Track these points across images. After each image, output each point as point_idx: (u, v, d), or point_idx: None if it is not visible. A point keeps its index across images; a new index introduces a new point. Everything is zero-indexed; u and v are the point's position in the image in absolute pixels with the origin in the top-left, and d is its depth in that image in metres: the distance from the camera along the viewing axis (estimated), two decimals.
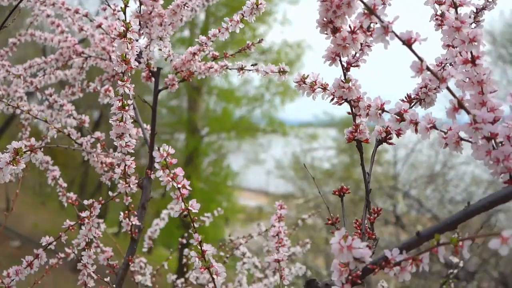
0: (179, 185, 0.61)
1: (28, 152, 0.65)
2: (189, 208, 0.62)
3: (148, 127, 1.08)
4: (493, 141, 0.52)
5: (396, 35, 0.49)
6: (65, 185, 1.09)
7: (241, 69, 0.93)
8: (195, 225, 0.64)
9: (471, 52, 0.52)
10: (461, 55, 0.54)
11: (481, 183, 7.28)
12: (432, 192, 6.77)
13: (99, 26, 1.02)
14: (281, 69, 0.83)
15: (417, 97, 0.67)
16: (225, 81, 11.87)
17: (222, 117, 11.49)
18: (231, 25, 0.88)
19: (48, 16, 1.18)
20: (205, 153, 11.30)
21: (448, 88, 0.50)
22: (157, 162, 0.60)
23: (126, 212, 0.94)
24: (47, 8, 1.17)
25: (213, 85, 11.82)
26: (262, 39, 0.98)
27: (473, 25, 0.70)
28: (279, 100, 11.79)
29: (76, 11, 1.07)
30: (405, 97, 0.67)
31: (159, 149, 0.59)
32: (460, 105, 0.50)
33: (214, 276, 0.63)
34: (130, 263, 0.97)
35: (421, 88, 0.67)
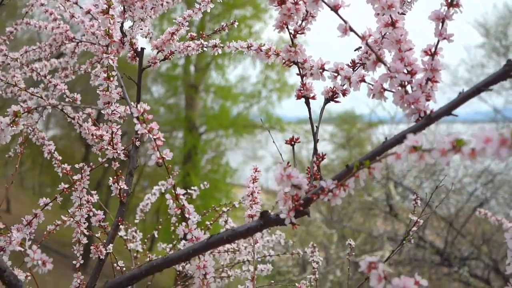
0: (155, 137, 0.71)
1: (26, 114, 0.75)
2: (164, 156, 0.72)
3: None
4: (409, 88, 0.63)
5: (325, 2, 0.60)
6: (60, 157, 1.20)
7: (214, 46, 1.04)
8: (170, 174, 0.75)
9: (390, 16, 0.63)
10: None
11: (473, 172, 7.41)
12: (425, 181, 6.90)
13: (88, 12, 1.12)
14: (249, 45, 0.93)
15: (360, 61, 0.77)
16: (222, 78, 11.98)
17: (220, 114, 11.59)
18: (203, 5, 0.99)
19: (42, 5, 1.28)
20: (203, 150, 11.40)
21: (367, 45, 0.61)
22: (135, 117, 0.70)
23: (115, 177, 1.05)
24: None
25: (211, 83, 11.94)
26: (235, 21, 1.09)
27: None
28: (276, 96, 11.91)
29: None
30: (350, 62, 0.78)
31: (136, 106, 0.70)
32: (378, 59, 0.61)
33: (187, 215, 0.74)
34: (119, 223, 1.08)
35: (363, 53, 0.77)
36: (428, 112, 0.60)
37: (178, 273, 1.41)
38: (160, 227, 1.52)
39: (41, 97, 1.07)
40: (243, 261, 1.29)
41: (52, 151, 1.21)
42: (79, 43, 1.28)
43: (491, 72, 0.58)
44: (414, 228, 1.18)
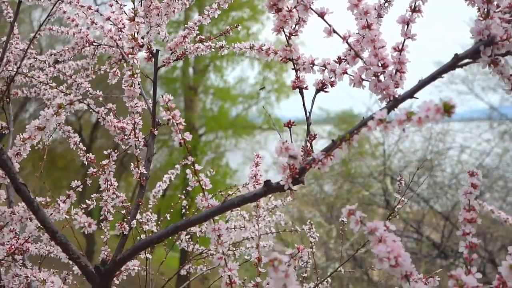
0: (177, 122, 0.87)
1: (68, 105, 0.90)
2: (185, 137, 0.88)
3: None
4: (382, 78, 0.78)
5: (313, 10, 0.76)
6: (84, 148, 1.35)
7: (221, 47, 1.20)
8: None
9: (366, 20, 0.78)
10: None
11: (466, 164, 7.59)
12: (422, 177, 7.06)
13: (108, 18, 1.27)
14: (251, 45, 1.09)
15: (345, 58, 0.93)
16: (220, 80, 12.13)
17: (219, 115, 11.76)
18: (211, 12, 1.15)
19: (64, 12, 1.44)
20: (203, 152, 11.55)
21: (348, 44, 0.77)
22: (161, 105, 0.86)
23: (136, 162, 1.20)
24: (64, 5, 1.43)
25: (209, 85, 12.10)
26: (238, 25, 1.24)
27: (386, 4, 0.96)
28: (275, 97, 12.08)
29: (89, 8, 1.33)
30: (337, 58, 0.94)
31: (162, 96, 0.85)
32: (356, 55, 0.77)
33: (203, 187, 0.89)
34: (140, 204, 1.23)
35: (347, 51, 0.93)
36: (396, 96, 0.76)
37: (189, 253, 1.56)
38: (172, 210, 1.67)
39: (70, 94, 1.22)
40: (247, 238, 1.44)
41: (77, 142, 1.36)
42: (99, 46, 1.44)
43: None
44: (399, 206, 1.33)
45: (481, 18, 0.69)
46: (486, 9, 0.68)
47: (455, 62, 0.70)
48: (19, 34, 1.64)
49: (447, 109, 0.53)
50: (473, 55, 0.69)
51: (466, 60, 0.71)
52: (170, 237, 1.56)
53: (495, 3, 0.69)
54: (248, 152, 12.59)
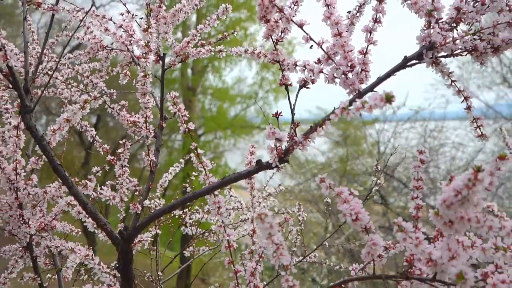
0: (182, 114, 1.05)
1: (92, 101, 1.09)
2: (189, 127, 1.06)
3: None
4: (350, 75, 0.97)
5: (294, 22, 0.94)
6: (100, 140, 1.53)
7: (220, 51, 1.38)
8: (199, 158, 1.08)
9: (337, 29, 0.97)
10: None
11: (464, 166, 7.79)
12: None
13: (120, 26, 1.46)
14: (246, 50, 1.27)
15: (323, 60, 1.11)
16: (219, 80, 12.30)
17: (218, 116, 11.94)
18: (211, 22, 1.34)
19: (80, 20, 1.62)
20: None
21: (322, 48, 0.95)
22: (169, 101, 1.04)
23: (147, 151, 1.38)
24: (80, 14, 1.61)
25: (208, 85, 12.27)
26: (235, 30, 1.43)
27: (358, 14, 1.15)
28: (273, 97, 12.26)
29: (104, 16, 1.51)
30: (317, 59, 1.12)
31: (169, 93, 1.04)
32: (328, 57, 0.95)
33: (205, 167, 1.08)
34: (150, 187, 1.41)
35: (323, 55, 1.11)
36: (360, 90, 0.94)
37: (192, 234, 1.74)
38: (177, 197, 1.84)
39: (88, 92, 1.41)
40: (244, 220, 1.62)
41: (94, 135, 1.55)
42: (111, 51, 1.62)
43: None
44: (376, 188, 1.51)
45: (424, 28, 0.88)
46: (428, 21, 0.87)
47: (405, 63, 0.89)
48: (19, 36, 1.82)
49: (388, 98, 0.71)
50: (418, 57, 0.87)
51: (413, 61, 0.89)
52: (176, 217, 1.74)
53: (435, 16, 0.87)
54: (247, 152, 12.69)
